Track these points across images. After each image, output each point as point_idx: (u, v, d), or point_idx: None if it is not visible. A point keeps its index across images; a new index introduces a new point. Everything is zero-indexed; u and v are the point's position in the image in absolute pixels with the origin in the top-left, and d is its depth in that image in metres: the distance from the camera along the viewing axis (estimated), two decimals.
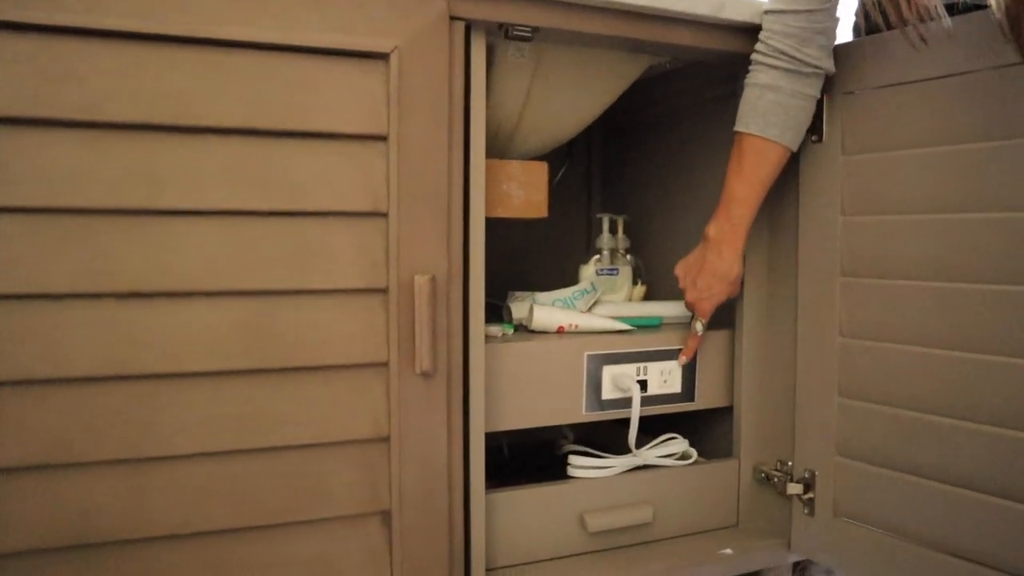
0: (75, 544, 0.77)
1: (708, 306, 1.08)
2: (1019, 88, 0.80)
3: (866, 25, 1.10)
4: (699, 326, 1.10)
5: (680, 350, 1.12)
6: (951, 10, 0.88)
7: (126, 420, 0.78)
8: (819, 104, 1.02)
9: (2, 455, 0.74)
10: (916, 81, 0.93)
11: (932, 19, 0.85)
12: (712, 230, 1.04)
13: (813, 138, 1.04)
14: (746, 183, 1.01)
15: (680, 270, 1.10)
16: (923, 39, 0.86)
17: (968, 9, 0.90)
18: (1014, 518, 0.85)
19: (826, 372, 1.04)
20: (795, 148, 1.01)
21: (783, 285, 1.12)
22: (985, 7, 0.83)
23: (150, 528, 0.80)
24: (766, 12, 0.98)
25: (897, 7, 0.86)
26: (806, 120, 1.00)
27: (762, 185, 1.01)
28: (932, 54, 0.89)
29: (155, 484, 0.80)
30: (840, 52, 1.01)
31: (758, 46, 0.99)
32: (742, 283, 1.12)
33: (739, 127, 1.00)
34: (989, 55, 0.85)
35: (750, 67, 1.00)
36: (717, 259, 1.04)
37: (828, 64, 0.98)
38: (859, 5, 1.11)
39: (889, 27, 0.91)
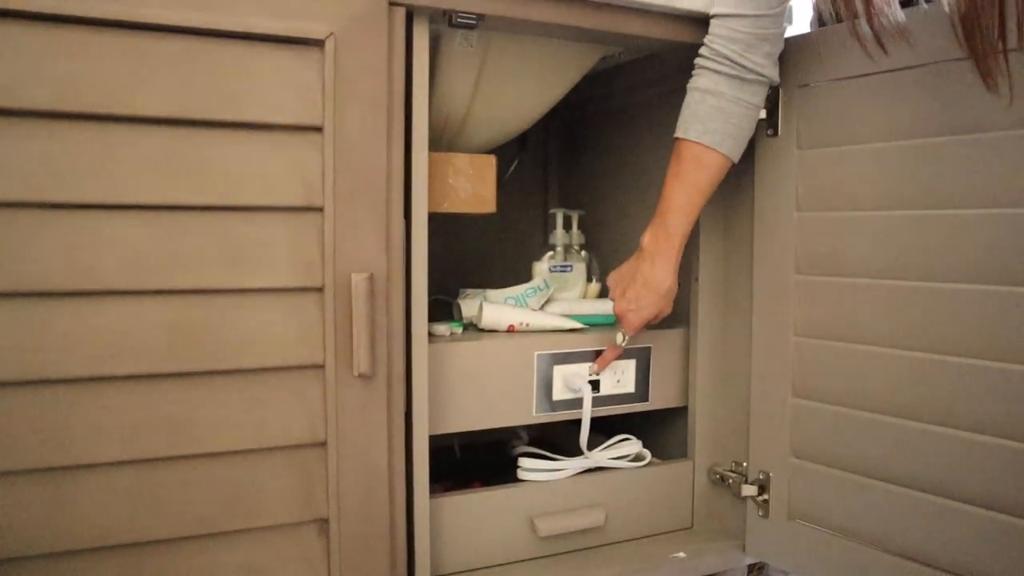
0: None
1: (636, 319, 1.02)
2: (975, 82, 0.78)
3: (820, 21, 1.08)
4: (620, 337, 1.06)
5: (598, 353, 1.09)
6: (907, 3, 0.86)
7: (44, 427, 0.73)
8: (774, 97, 1.00)
9: None
10: (871, 74, 0.91)
11: (886, 15, 0.83)
12: (647, 239, 1.00)
13: (768, 132, 1.02)
14: (683, 191, 0.97)
15: (612, 280, 1.05)
16: (881, 46, 0.84)
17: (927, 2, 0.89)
18: (968, 520, 0.83)
19: (780, 372, 1.02)
20: (736, 158, 0.97)
21: (738, 283, 1.10)
22: None
23: (72, 541, 0.75)
24: (713, 15, 0.95)
25: (851, 4, 0.84)
26: (748, 129, 0.97)
27: (700, 194, 0.97)
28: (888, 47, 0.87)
29: (76, 494, 0.75)
30: (795, 44, 0.99)
31: (702, 50, 0.96)
32: (697, 297, 1.09)
33: (678, 132, 0.97)
34: (945, 48, 0.82)
35: (693, 71, 0.97)
36: (650, 270, 0.99)
37: (772, 72, 0.95)
38: (813, 5, 1.09)
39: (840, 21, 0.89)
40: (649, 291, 1.00)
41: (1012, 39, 0.74)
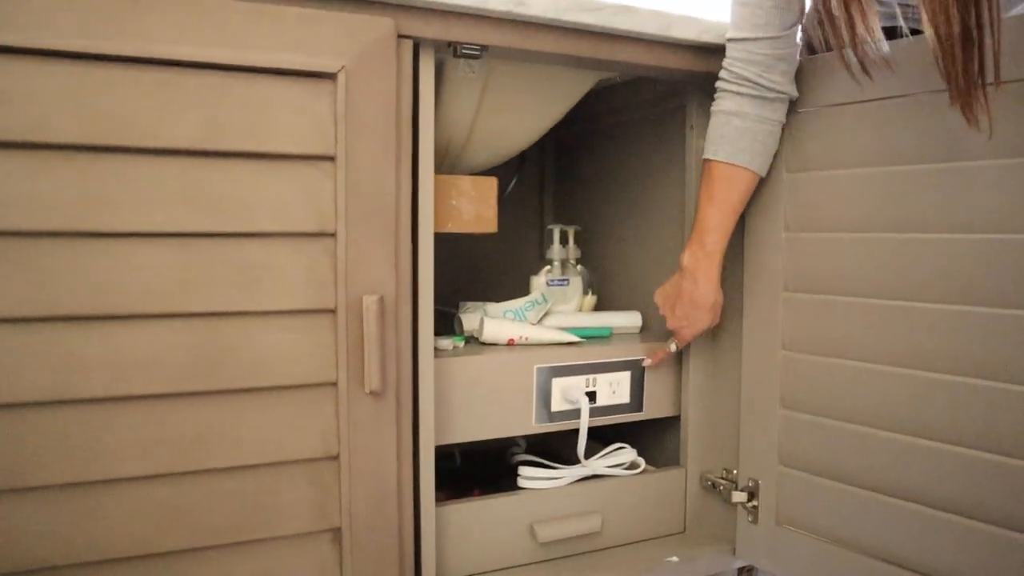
0: (26, 570, 0.76)
1: (689, 334, 1.10)
2: (954, 113, 0.83)
3: (810, 49, 1.12)
4: (674, 347, 1.13)
5: (639, 360, 1.15)
6: (892, 33, 0.91)
7: (72, 444, 0.77)
8: None
9: None
10: (859, 102, 0.95)
11: (872, 44, 0.87)
12: (687, 259, 1.05)
13: None
14: (718, 210, 1.02)
15: (659, 298, 1.12)
16: (867, 73, 0.88)
17: (912, 33, 0.93)
18: (948, 527, 0.88)
19: (769, 384, 1.07)
20: (764, 173, 1.02)
21: (729, 298, 1.14)
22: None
23: (102, 551, 0.79)
24: (729, 40, 0.99)
25: (838, 33, 0.88)
26: (773, 145, 1.02)
27: (734, 211, 1.03)
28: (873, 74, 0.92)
29: (105, 507, 0.79)
30: None
31: (722, 73, 1.00)
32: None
33: (707, 155, 1.01)
34: (929, 79, 0.87)
35: (715, 95, 1.02)
36: (693, 288, 1.05)
37: (791, 89, 1.00)
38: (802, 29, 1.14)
39: (830, 49, 0.94)
40: (696, 308, 1.07)
41: (989, 74, 0.79)
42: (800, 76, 1.02)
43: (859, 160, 0.96)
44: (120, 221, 0.77)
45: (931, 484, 0.90)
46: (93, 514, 0.79)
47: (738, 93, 0.99)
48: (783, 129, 1.03)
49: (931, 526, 0.90)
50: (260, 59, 0.81)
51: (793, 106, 1.02)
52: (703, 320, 1.08)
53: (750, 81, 0.98)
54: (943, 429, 0.88)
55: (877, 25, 0.88)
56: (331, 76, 0.84)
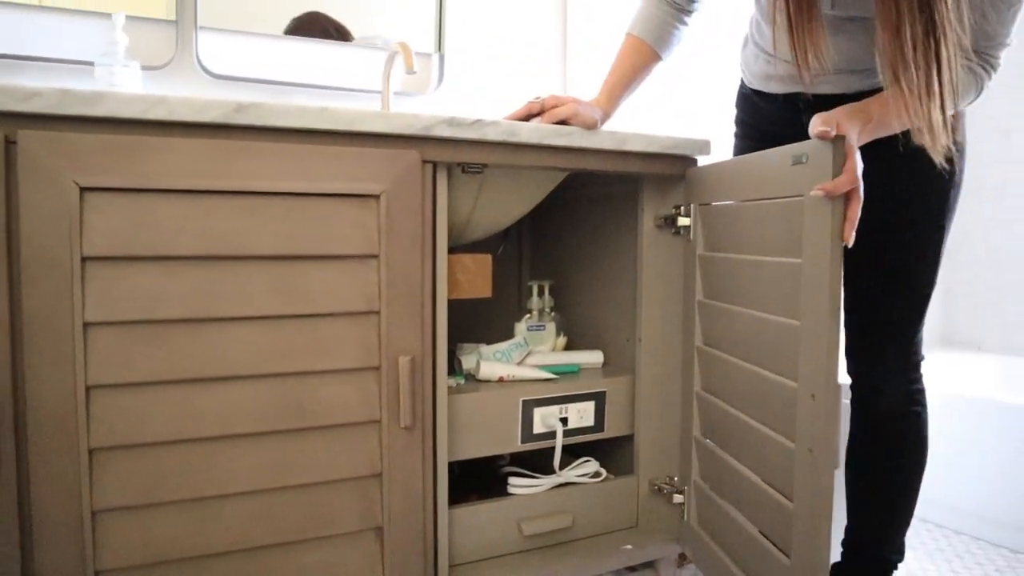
0: (160, 561, 1.06)
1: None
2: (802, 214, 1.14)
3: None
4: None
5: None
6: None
7: (192, 470, 1.07)
8: (688, 210, 1.36)
9: (107, 499, 1.03)
10: (749, 201, 1.24)
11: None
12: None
13: (689, 238, 1.38)
14: None
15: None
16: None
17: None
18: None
19: (692, 415, 1.39)
20: None
21: (673, 346, 1.46)
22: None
23: (211, 547, 1.09)
24: None
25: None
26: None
27: None
28: (742, 183, 1.21)
29: (214, 515, 1.09)
30: (698, 174, 1.35)
31: None
32: None
33: None
34: (778, 188, 1.14)
35: None
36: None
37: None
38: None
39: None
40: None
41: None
42: (707, 178, 1.32)
43: (734, 247, 1.25)
44: (226, 309, 1.07)
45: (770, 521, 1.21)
46: (206, 520, 1.09)
47: None
48: (698, 216, 1.35)
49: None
50: (327, 187, 1.11)
51: (704, 199, 1.33)
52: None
53: None
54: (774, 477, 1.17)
55: None
56: (376, 196, 1.15)
